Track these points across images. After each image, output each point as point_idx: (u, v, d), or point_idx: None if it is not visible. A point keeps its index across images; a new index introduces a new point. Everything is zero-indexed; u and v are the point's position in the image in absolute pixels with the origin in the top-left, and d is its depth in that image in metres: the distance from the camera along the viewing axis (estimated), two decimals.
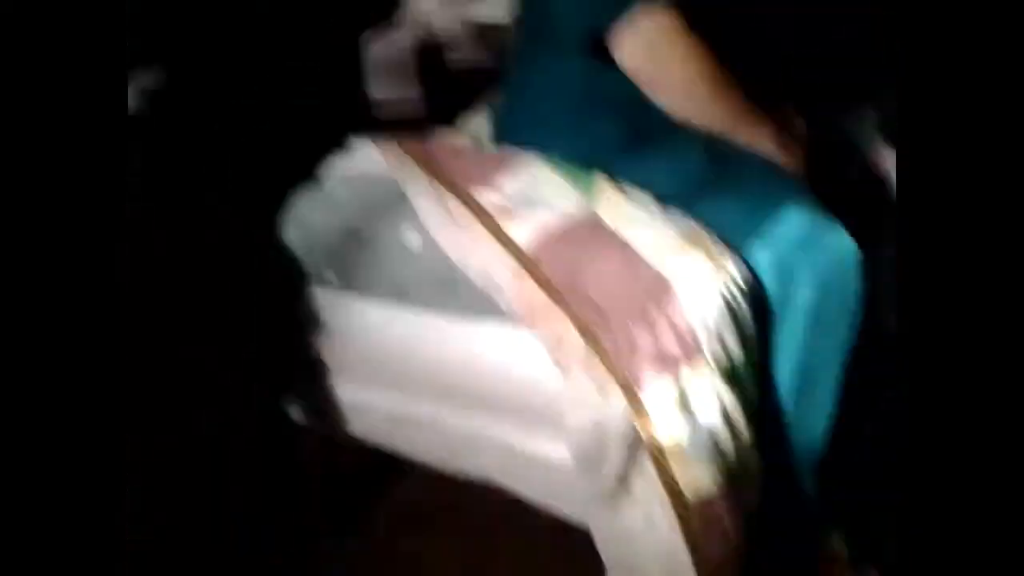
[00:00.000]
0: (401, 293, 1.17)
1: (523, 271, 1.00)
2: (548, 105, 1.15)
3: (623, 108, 1.10)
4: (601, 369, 0.97)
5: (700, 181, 1.05)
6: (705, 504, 0.95)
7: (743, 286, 0.97)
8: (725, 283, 0.96)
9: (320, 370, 1.32)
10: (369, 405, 1.28)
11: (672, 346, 0.95)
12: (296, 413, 1.34)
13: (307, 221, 1.22)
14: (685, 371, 0.94)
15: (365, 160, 1.24)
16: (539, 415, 1.10)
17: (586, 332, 0.97)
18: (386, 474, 1.50)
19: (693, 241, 0.99)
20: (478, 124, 1.46)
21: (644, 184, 1.09)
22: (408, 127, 1.52)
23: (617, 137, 1.10)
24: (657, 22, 1.00)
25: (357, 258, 1.19)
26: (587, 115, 1.12)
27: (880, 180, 1.20)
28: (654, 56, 1.02)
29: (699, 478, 0.94)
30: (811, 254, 0.98)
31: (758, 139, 1.09)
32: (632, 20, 1.00)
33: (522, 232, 1.04)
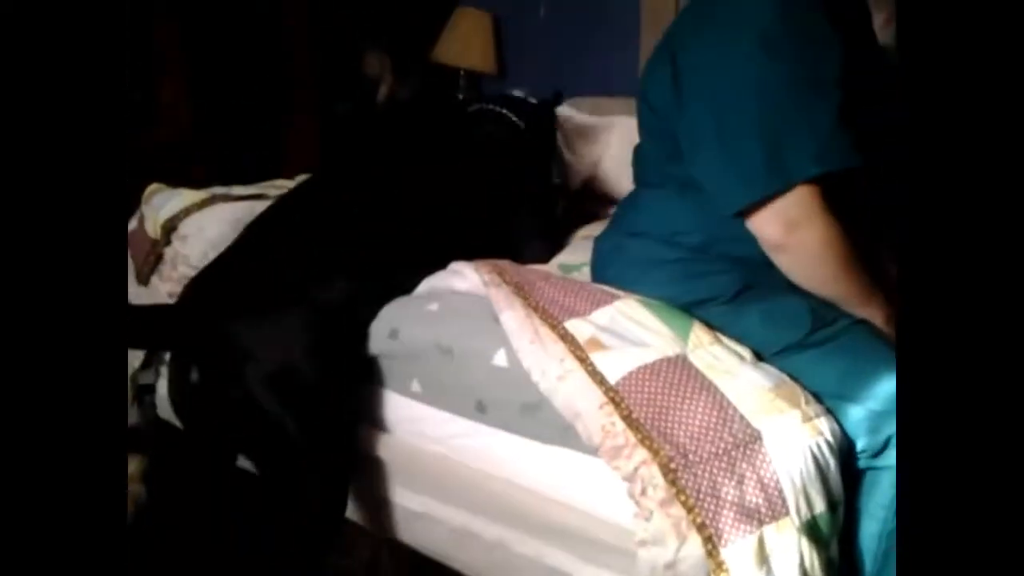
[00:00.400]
0: (483, 410, 1.18)
1: (609, 404, 1.01)
2: (659, 249, 1.18)
3: (739, 264, 1.12)
4: (680, 512, 0.95)
5: (800, 342, 1.06)
6: None
7: (833, 444, 0.96)
8: (815, 440, 0.95)
9: (385, 475, 1.33)
10: (434, 516, 1.28)
11: (758, 500, 0.93)
12: (355, 514, 1.35)
13: (402, 333, 1.26)
14: (769, 528, 0.92)
15: (462, 280, 1.30)
16: (608, 549, 1.08)
17: (668, 472, 0.96)
18: None
19: (786, 396, 0.98)
20: (576, 255, 1.51)
21: (742, 335, 1.10)
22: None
23: (726, 289, 1.12)
24: (799, 198, 1.01)
25: (444, 372, 1.22)
26: (702, 265, 1.14)
27: None
28: (791, 230, 1.02)
29: None
30: None
31: (869, 312, 1.10)
32: (774, 193, 1.01)
33: (610, 365, 1.05)
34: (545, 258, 1.57)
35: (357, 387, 1.32)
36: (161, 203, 1.57)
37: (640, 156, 1.27)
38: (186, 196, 1.57)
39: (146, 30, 2.37)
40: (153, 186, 1.67)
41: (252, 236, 1.36)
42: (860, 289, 1.08)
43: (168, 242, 1.54)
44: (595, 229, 1.69)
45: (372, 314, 1.30)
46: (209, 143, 2.58)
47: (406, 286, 1.35)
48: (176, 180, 2.37)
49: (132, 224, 1.64)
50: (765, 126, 0.99)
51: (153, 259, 1.54)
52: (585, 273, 1.48)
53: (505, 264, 1.33)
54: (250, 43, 2.88)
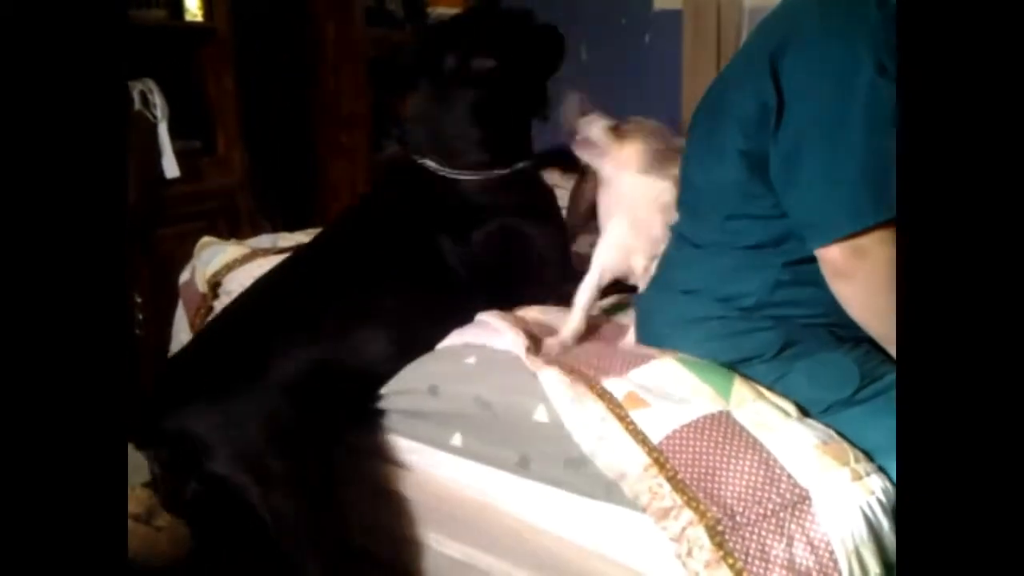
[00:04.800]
0: (525, 465, 1.18)
1: (653, 465, 0.99)
2: (708, 307, 1.15)
3: (783, 323, 1.10)
4: (728, 575, 0.93)
5: (848, 398, 1.04)
6: None
7: (886, 503, 0.93)
8: (867, 499, 0.92)
9: (425, 520, 1.33)
10: (474, 565, 1.27)
11: (807, 561, 0.91)
12: (392, 557, 1.35)
13: (441, 389, 1.27)
14: None
15: (497, 335, 1.30)
16: None
17: (714, 534, 0.94)
18: None
19: (834, 453, 0.96)
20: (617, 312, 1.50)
21: (788, 394, 1.08)
22: None
23: (770, 347, 1.10)
24: (883, 255, 0.97)
25: (485, 427, 1.22)
26: (746, 323, 1.12)
27: None
28: (861, 258, 0.98)
29: None
30: None
31: None
32: (860, 247, 0.98)
33: (652, 424, 1.03)
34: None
35: (393, 439, 1.32)
36: (209, 258, 1.62)
37: (693, 212, 1.23)
38: (230, 251, 1.62)
39: (201, 83, 2.47)
40: (204, 240, 1.72)
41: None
42: None
43: (216, 296, 1.58)
44: None
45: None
46: (261, 187, 2.65)
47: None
48: (230, 222, 2.46)
49: (185, 276, 1.70)
50: (873, 156, 0.96)
51: (203, 312, 1.59)
52: (630, 315, 1.45)
53: (532, 324, 1.33)
54: (300, 90, 2.97)
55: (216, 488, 1.13)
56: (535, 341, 1.26)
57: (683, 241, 1.24)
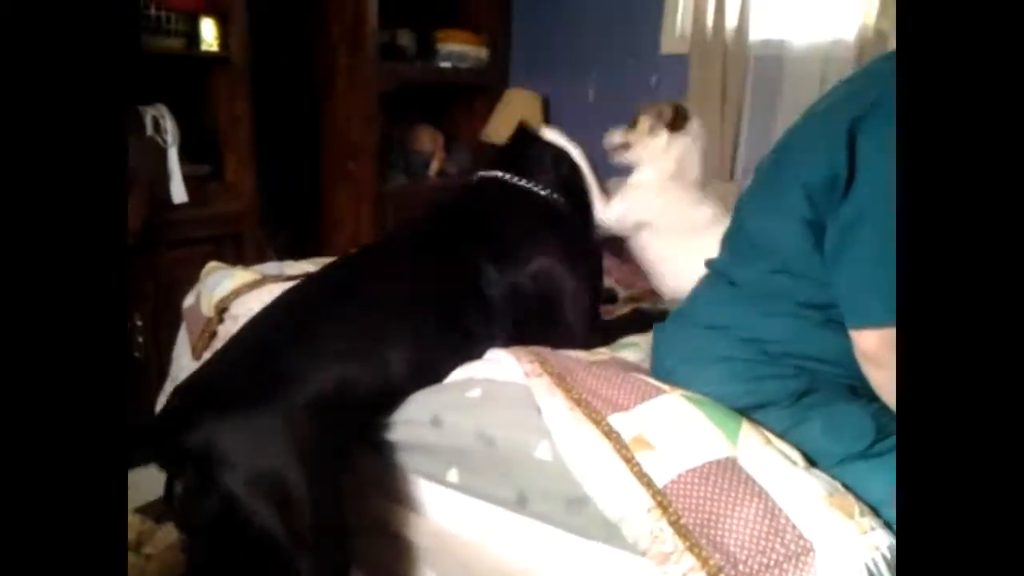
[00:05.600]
0: (523, 503, 1.17)
1: (656, 508, 0.99)
2: (733, 347, 1.15)
3: (804, 371, 1.10)
4: None
5: (861, 452, 1.03)
6: None
7: (890, 559, 0.92)
8: (872, 555, 0.90)
9: (421, 560, 1.31)
10: None
11: None
12: None
13: (444, 421, 1.26)
14: None
15: (502, 369, 1.30)
16: None
17: None
18: None
19: (840, 506, 0.95)
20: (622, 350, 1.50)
21: (801, 442, 1.07)
22: None
23: (789, 393, 1.10)
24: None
25: (485, 462, 1.21)
26: (768, 368, 1.12)
27: None
28: (892, 348, 0.97)
29: None
30: None
31: None
32: (893, 338, 0.96)
33: (658, 467, 1.03)
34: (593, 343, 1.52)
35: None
36: (216, 283, 1.61)
37: (738, 254, 1.21)
38: (238, 277, 1.62)
39: (213, 109, 2.49)
40: (210, 264, 1.73)
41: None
42: None
43: (221, 320, 1.58)
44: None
45: (369, 398, 1.27)
46: (268, 213, 2.67)
47: (397, 370, 1.30)
48: (236, 247, 2.47)
49: (190, 300, 1.70)
50: None
51: (207, 337, 1.59)
52: (635, 353, 1.47)
53: (546, 352, 1.32)
54: (310, 118, 3.01)
55: (233, 505, 1.10)
56: (542, 365, 1.24)
57: (719, 278, 1.23)
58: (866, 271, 0.99)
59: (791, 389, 1.10)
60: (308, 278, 1.51)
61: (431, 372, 1.35)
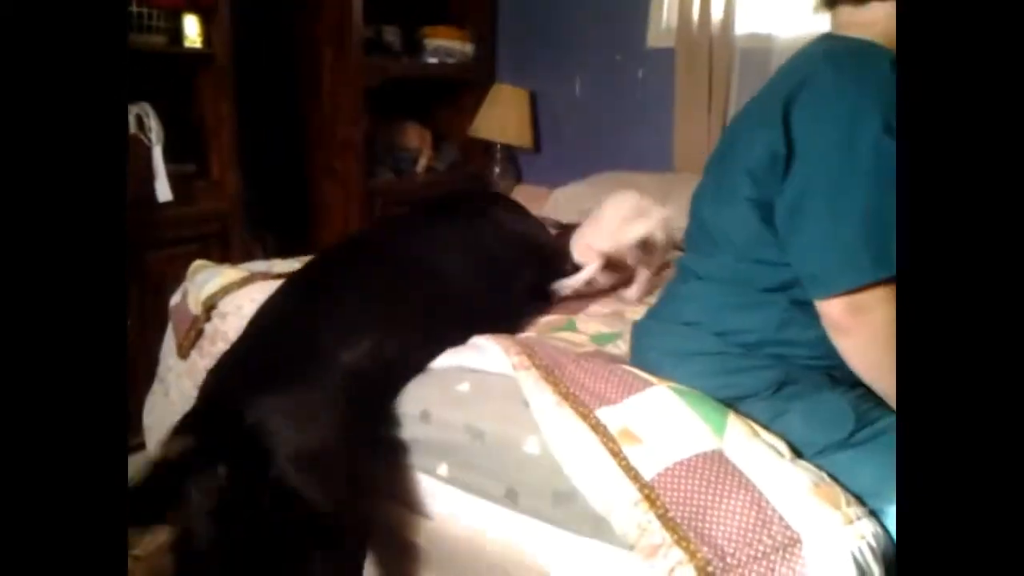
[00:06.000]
0: (513, 497, 1.17)
1: (644, 501, 0.99)
2: (707, 341, 1.16)
3: (782, 362, 1.11)
4: None
5: (842, 441, 1.04)
6: None
7: (876, 548, 0.92)
8: (858, 544, 0.91)
9: (411, 557, 1.31)
10: None
11: None
12: None
13: (433, 415, 1.26)
14: None
15: (490, 359, 1.30)
16: None
17: (703, 572, 0.93)
18: None
19: (826, 496, 0.95)
20: (611, 326, 1.50)
21: (782, 430, 1.08)
22: None
23: (767, 385, 1.11)
24: (882, 312, 0.98)
25: (475, 456, 1.21)
26: (744, 360, 1.12)
27: None
28: (860, 314, 0.99)
29: None
30: None
31: None
32: (858, 304, 0.98)
33: (644, 460, 1.03)
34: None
35: (385, 467, 1.31)
36: (203, 280, 1.60)
37: (700, 248, 1.23)
38: (226, 274, 1.61)
39: (198, 107, 2.47)
40: (197, 263, 1.71)
41: (271, 310, 1.33)
42: None
43: (208, 318, 1.57)
44: (626, 306, 1.70)
45: (408, 368, 1.29)
46: (254, 211, 2.65)
47: (441, 341, 1.34)
48: (222, 246, 2.45)
49: (176, 299, 1.68)
50: (874, 214, 0.96)
51: (194, 335, 1.58)
52: (619, 346, 1.47)
53: (534, 343, 1.32)
54: (295, 115, 2.99)
55: (281, 484, 1.09)
56: (530, 358, 1.24)
57: (688, 273, 1.24)
58: (819, 242, 1.01)
59: (768, 380, 1.11)
60: (321, 253, 1.56)
61: (443, 343, 1.37)
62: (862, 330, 1.00)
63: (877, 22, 1.07)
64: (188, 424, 1.15)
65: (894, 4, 1.04)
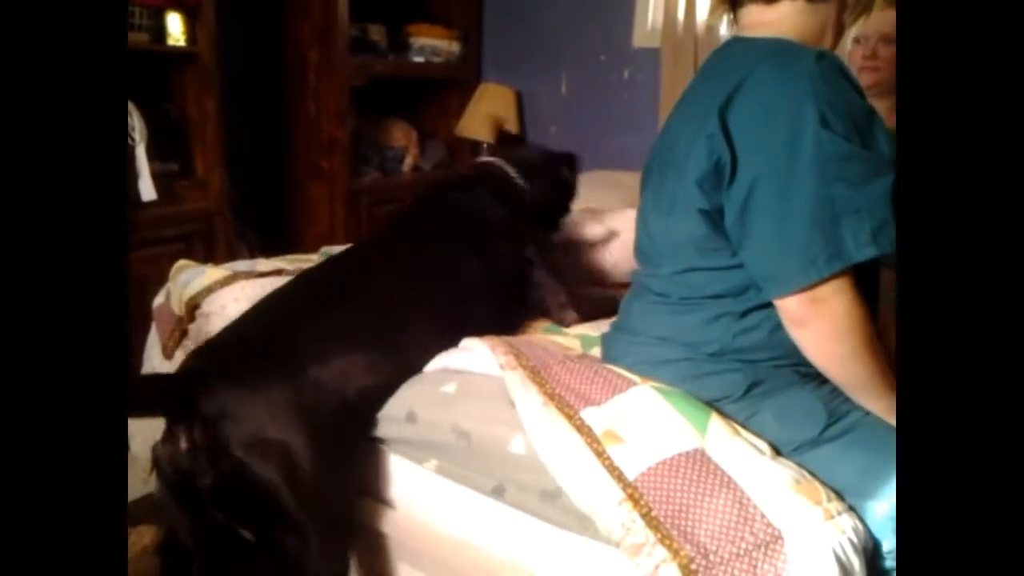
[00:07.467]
0: (500, 495, 1.17)
1: (628, 501, 0.99)
2: (672, 351, 1.16)
3: (749, 364, 1.12)
4: None
5: (816, 438, 1.05)
6: None
7: (857, 543, 0.94)
8: (839, 539, 0.92)
9: (397, 554, 1.31)
10: None
11: None
12: None
13: (419, 416, 1.26)
14: None
15: (477, 360, 1.30)
16: None
17: (688, 572, 0.94)
18: None
19: (807, 492, 0.96)
20: (598, 328, 1.51)
21: (759, 429, 1.09)
22: None
23: (737, 387, 1.12)
24: (839, 303, 0.99)
25: (462, 456, 1.21)
26: (712, 365, 1.13)
27: None
28: (816, 304, 1.00)
29: None
30: None
31: (881, 406, 1.07)
32: (815, 297, 0.99)
33: (628, 460, 1.04)
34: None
35: (370, 464, 1.31)
36: (186, 280, 1.60)
37: (651, 261, 1.23)
38: (209, 274, 1.60)
39: (182, 106, 2.46)
40: (180, 263, 1.70)
41: (262, 307, 1.36)
42: (875, 376, 1.04)
43: (192, 319, 1.56)
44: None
45: (378, 392, 1.29)
46: (239, 210, 2.64)
47: (415, 364, 1.35)
48: (207, 245, 2.44)
49: (159, 299, 1.67)
50: (822, 208, 0.97)
51: (178, 335, 1.57)
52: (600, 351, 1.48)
53: (521, 344, 1.33)
54: (280, 113, 2.98)
55: (241, 468, 1.12)
56: (517, 358, 1.25)
57: (645, 290, 1.24)
58: (771, 242, 1.01)
59: (738, 382, 1.11)
60: (329, 259, 1.58)
61: (431, 351, 1.38)
62: (821, 321, 1.01)
63: (786, 19, 1.08)
64: (158, 397, 1.19)
65: (800, 1, 1.07)
